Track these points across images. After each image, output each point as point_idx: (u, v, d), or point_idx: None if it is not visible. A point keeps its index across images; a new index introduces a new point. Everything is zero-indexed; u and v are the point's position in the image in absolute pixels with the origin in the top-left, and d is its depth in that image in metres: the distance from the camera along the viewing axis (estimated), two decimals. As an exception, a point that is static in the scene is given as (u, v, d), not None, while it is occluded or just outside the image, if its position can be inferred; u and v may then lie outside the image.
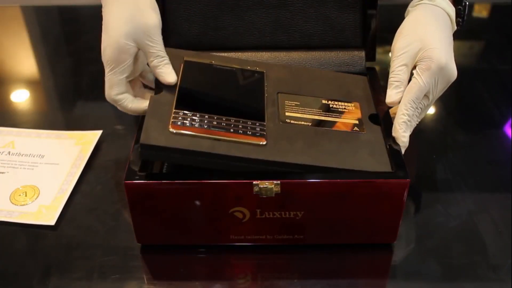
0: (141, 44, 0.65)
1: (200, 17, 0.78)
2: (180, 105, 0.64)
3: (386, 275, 0.66)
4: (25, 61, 1.06)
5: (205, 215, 0.63)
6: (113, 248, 0.67)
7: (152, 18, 0.65)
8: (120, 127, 0.85)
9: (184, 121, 0.61)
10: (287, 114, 0.67)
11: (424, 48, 0.65)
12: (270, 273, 0.65)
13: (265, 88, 0.69)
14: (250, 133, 0.62)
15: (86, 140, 0.82)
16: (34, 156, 0.79)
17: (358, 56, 0.79)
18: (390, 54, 0.68)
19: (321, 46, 0.79)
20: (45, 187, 0.74)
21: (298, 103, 0.69)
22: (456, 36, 0.70)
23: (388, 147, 0.64)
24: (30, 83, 0.99)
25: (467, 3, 0.70)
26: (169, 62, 0.66)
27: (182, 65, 0.69)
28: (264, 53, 0.79)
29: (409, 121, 0.64)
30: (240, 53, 0.79)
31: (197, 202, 0.61)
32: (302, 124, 0.66)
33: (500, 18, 1.20)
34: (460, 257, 0.66)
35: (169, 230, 0.64)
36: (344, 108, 0.69)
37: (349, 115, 0.68)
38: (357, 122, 0.67)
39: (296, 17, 0.78)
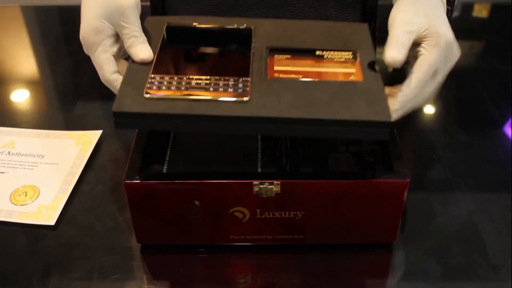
0: (116, 25, 0.63)
1: (200, 17, 0.78)
2: (158, 70, 0.60)
3: (386, 275, 0.66)
4: (25, 61, 1.06)
5: (205, 215, 0.62)
6: (113, 248, 0.67)
7: None
8: (120, 127, 0.85)
9: (160, 85, 0.57)
10: (276, 68, 0.61)
11: (430, 24, 0.61)
12: (270, 273, 0.65)
13: (253, 44, 0.65)
14: (231, 90, 0.57)
15: (86, 140, 0.82)
16: (34, 156, 0.79)
17: (358, 56, 0.78)
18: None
19: (321, 46, 0.79)
20: (45, 187, 0.74)
21: (289, 56, 0.64)
22: (456, 36, 0.70)
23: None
24: (30, 83, 0.99)
25: None
26: (145, 41, 0.63)
27: (163, 31, 0.66)
28: (264, 52, 0.78)
29: (414, 96, 0.59)
30: None
31: (197, 202, 0.61)
32: (292, 78, 0.60)
33: (500, 18, 1.19)
34: (460, 257, 0.66)
35: (169, 230, 0.64)
36: (341, 58, 0.64)
37: (346, 64, 0.63)
38: (354, 71, 0.62)
39: (296, 17, 0.78)
